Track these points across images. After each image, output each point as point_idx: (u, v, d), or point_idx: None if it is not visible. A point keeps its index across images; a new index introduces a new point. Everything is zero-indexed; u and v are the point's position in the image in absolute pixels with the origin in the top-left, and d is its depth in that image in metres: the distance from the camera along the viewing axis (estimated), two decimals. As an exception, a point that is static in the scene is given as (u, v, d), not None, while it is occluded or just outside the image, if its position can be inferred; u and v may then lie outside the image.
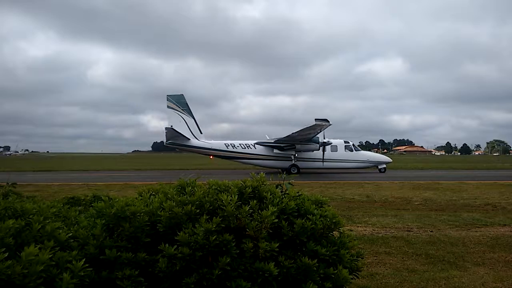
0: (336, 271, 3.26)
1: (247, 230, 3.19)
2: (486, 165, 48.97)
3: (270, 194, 3.58)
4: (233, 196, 3.33)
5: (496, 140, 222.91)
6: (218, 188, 3.54)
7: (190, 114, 34.20)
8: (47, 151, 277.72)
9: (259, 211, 3.29)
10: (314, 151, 31.19)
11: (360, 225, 9.53)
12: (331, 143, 31.73)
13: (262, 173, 3.86)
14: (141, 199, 3.49)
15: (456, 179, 24.31)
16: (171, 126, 32.96)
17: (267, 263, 3.06)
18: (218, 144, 33.68)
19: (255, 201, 3.42)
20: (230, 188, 3.54)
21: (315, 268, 3.17)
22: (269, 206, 3.34)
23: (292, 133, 29.22)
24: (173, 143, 33.79)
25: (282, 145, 31.60)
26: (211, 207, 3.33)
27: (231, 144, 33.27)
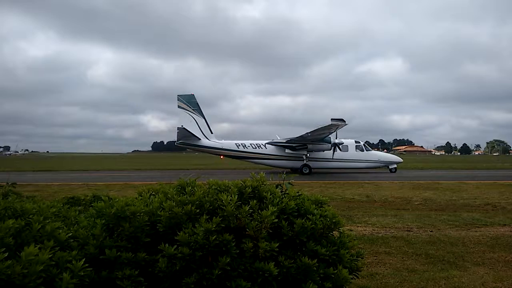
0: (336, 271, 3.26)
1: (247, 230, 3.19)
2: (486, 165, 48.97)
3: (270, 194, 3.58)
4: (233, 196, 3.33)
5: (496, 140, 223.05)
6: (218, 188, 3.54)
7: (201, 114, 34.16)
8: (47, 151, 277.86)
9: (259, 211, 3.29)
10: (325, 151, 31.10)
11: (360, 225, 9.53)
12: (343, 143, 31.61)
13: (262, 173, 3.86)
14: (141, 199, 3.49)
15: (456, 179, 24.31)
16: (182, 125, 32.90)
17: (267, 263, 3.06)
18: (228, 144, 33.62)
19: (255, 201, 3.42)
20: (230, 188, 3.54)
21: (315, 268, 3.17)
22: (269, 206, 3.34)
23: (306, 133, 29.09)
24: (184, 143, 33.75)
25: (294, 145, 31.49)
26: (211, 207, 3.33)
27: (241, 144, 33.23)
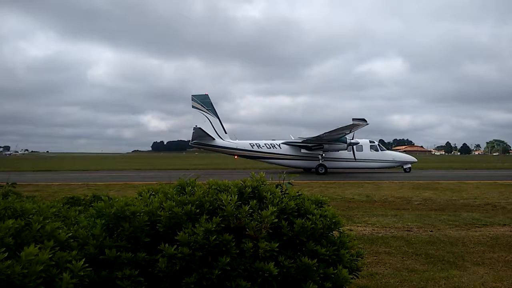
0: (336, 271, 3.26)
1: (247, 230, 3.19)
2: (486, 165, 48.97)
3: (270, 194, 3.58)
4: (233, 196, 3.33)
5: (496, 140, 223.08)
6: (218, 188, 3.54)
7: (215, 113, 34.14)
8: (47, 151, 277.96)
9: (259, 211, 3.29)
10: (340, 151, 31.01)
11: (360, 225, 9.53)
12: (358, 143, 31.48)
13: (262, 172, 3.86)
14: (141, 199, 3.49)
15: (456, 179, 24.31)
16: (196, 125, 32.94)
17: (267, 263, 3.06)
18: (243, 144, 33.57)
19: (255, 201, 3.42)
20: (230, 188, 3.54)
21: (315, 268, 3.17)
22: (269, 206, 3.34)
23: (324, 133, 28.97)
24: (198, 143, 33.73)
25: (310, 144, 31.40)
26: (211, 207, 3.33)
27: (256, 144, 33.17)
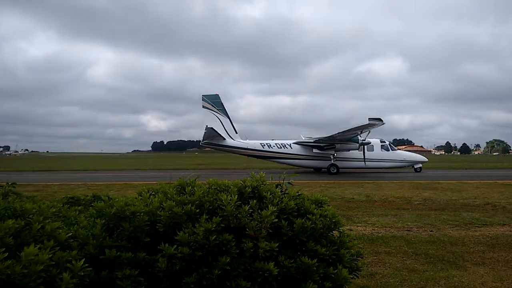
0: (336, 271, 3.26)
1: (247, 229, 3.19)
2: (486, 164, 48.97)
3: (270, 194, 3.58)
4: (233, 196, 3.33)
5: (495, 140, 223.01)
6: (218, 188, 3.54)
7: (225, 113, 34.10)
8: (47, 151, 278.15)
9: (259, 210, 3.29)
10: (351, 151, 30.91)
11: (360, 224, 9.53)
12: (370, 143, 31.40)
13: (261, 172, 3.86)
14: (141, 199, 3.49)
15: (456, 179, 24.30)
16: (207, 125, 32.89)
17: (267, 262, 3.06)
18: (254, 143, 33.53)
19: (255, 200, 3.42)
20: (230, 188, 3.54)
21: (315, 268, 3.17)
22: (269, 205, 3.35)
23: (338, 132, 28.86)
24: (209, 143, 33.69)
25: (322, 144, 31.31)
26: (211, 207, 3.33)
27: (267, 143, 33.14)
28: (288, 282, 3.17)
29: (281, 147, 32.89)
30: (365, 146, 30.87)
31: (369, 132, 29.68)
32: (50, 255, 2.53)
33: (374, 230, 8.89)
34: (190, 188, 3.58)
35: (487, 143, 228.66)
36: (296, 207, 3.56)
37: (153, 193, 3.72)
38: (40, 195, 12.49)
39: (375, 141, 32.10)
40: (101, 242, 2.99)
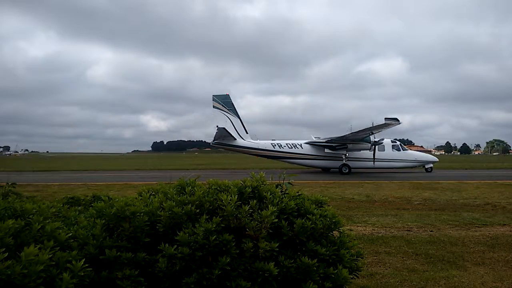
0: (336, 271, 3.26)
1: (247, 230, 3.19)
2: (486, 164, 48.96)
3: (270, 194, 3.58)
4: (233, 196, 3.33)
5: (495, 140, 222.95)
6: (218, 188, 3.54)
7: (236, 114, 34.12)
8: (47, 151, 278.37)
9: (259, 211, 3.29)
10: (362, 151, 30.84)
11: (360, 224, 9.53)
12: (382, 143, 31.32)
13: (262, 172, 3.86)
14: (141, 199, 3.49)
15: (456, 179, 24.30)
16: (217, 125, 32.96)
17: (267, 263, 3.06)
18: (264, 144, 33.55)
19: (255, 201, 3.42)
20: (230, 188, 3.54)
21: (315, 268, 3.17)
22: (269, 206, 3.34)
23: (352, 132, 28.80)
24: (220, 143, 33.68)
25: (334, 144, 31.25)
26: (211, 207, 3.33)
27: (277, 143, 33.14)
28: (288, 282, 3.17)
29: (292, 147, 32.89)
30: (377, 146, 30.80)
31: (379, 132, 29.69)
32: (50, 255, 2.53)
33: (374, 230, 8.89)
34: (190, 188, 3.58)
35: (487, 143, 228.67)
36: (296, 207, 3.56)
37: (153, 193, 3.72)
38: (40, 195, 12.50)
39: (386, 141, 32.05)
40: (101, 242, 2.99)
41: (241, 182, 3.69)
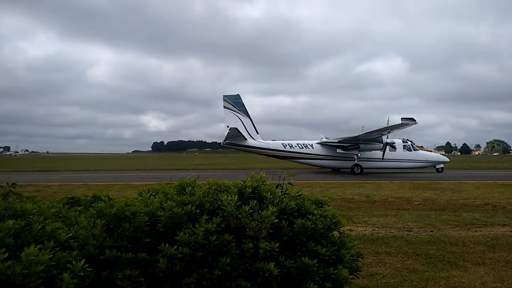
0: (336, 271, 3.26)
1: (247, 230, 3.19)
2: (486, 165, 48.95)
3: (270, 194, 3.58)
4: (233, 196, 3.33)
5: (496, 140, 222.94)
6: (218, 188, 3.54)
7: (246, 114, 34.15)
8: (47, 151, 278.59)
9: (259, 211, 3.29)
10: (373, 151, 30.77)
11: (360, 225, 9.53)
12: (394, 143, 31.27)
13: (262, 173, 3.86)
14: (141, 199, 3.50)
15: (456, 179, 24.30)
16: (228, 125, 33.03)
17: (267, 263, 3.06)
18: (275, 144, 33.59)
19: (255, 201, 3.42)
20: (230, 188, 3.54)
21: (315, 268, 3.17)
22: (269, 206, 3.34)
23: (367, 132, 28.76)
24: (231, 143, 33.70)
25: (346, 144, 31.18)
26: (211, 207, 3.33)
27: (288, 144, 33.15)
28: (288, 283, 3.17)
29: (302, 147, 32.89)
30: (388, 146, 30.71)
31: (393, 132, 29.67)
32: (51, 256, 2.53)
33: (374, 230, 8.89)
34: (190, 188, 3.58)
35: (487, 143, 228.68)
36: (297, 208, 3.56)
37: (153, 193, 3.73)
38: (40, 196, 12.50)
39: (397, 141, 32.03)
40: (101, 243, 2.99)
41: (241, 182, 3.69)
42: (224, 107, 34.15)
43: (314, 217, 3.46)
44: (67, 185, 20.78)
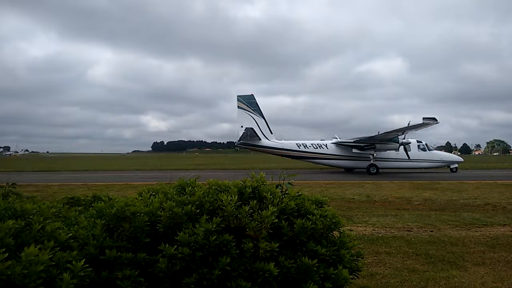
0: (336, 271, 3.26)
1: (247, 230, 3.19)
2: (486, 165, 48.94)
3: (270, 194, 3.58)
4: (233, 196, 3.33)
5: (496, 140, 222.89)
6: (218, 188, 3.54)
7: (260, 114, 34.15)
8: (47, 151, 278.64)
9: (259, 211, 3.29)
10: (388, 151, 30.76)
11: (360, 225, 9.53)
12: (410, 143, 31.24)
13: (262, 173, 3.86)
14: (141, 199, 3.50)
15: (456, 179, 24.30)
16: (242, 125, 33.09)
17: (267, 263, 3.06)
18: (289, 144, 33.59)
19: (255, 201, 3.42)
20: (230, 188, 3.54)
21: (315, 268, 3.17)
22: (269, 206, 3.34)
23: (386, 132, 28.75)
24: (245, 143, 33.73)
25: (362, 144, 31.19)
26: (211, 207, 3.33)
27: (302, 144, 33.16)
28: (288, 283, 3.17)
29: (317, 147, 32.91)
30: (406, 146, 30.62)
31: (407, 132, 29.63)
32: (51, 256, 2.53)
33: (375, 230, 8.89)
34: (190, 188, 3.58)
35: (487, 143, 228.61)
36: (297, 208, 3.56)
37: (153, 193, 3.72)
38: (40, 196, 12.50)
39: (412, 141, 31.96)
40: (101, 243, 2.99)
41: (241, 182, 3.69)
42: (238, 107, 34.17)
43: (314, 217, 3.46)
44: (67, 185, 20.78)
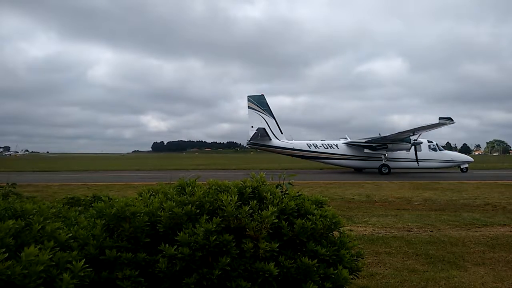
0: (336, 271, 3.26)
1: (247, 230, 3.19)
2: (486, 165, 48.93)
3: (270, 194, 3.58)
4: (233, 196, 3.33)
5: (496, 140, 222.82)
6: (218, 188, 3.54)
7: (271, 114, 34.24)
8: (47, 151, 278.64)
9: (259, 211, 3.29)
10: (398, 151, 30.77)
11: (360, 225, 9.53)
12: (421, 143, 31.27)
13: (262, 173, 3.86)
14: (141, 199, 3.49)
15: (456, 179, 24.30)
16: (252, 125, 33.22)
17: (267, 263, 3.06)
18: (300, 144, 33.69)
19: (255, 201, 3.42)
20: (230, 188, 3.54)
21: (315, 268, 3.17)
22: (269, 206, 3.34)
23: (400, 132, 28.74)
24: (255, 143, 33.83)
25: (374, 144, 31.22)
26: (211, 207, 3.33)
27: (313, 144, 33.27)
28: (288, 283, 3.17)
29: (327, 147, 32.96)
30: (417, 147, 30.64)
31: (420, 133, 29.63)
32: (51, 256, 2.53)
33: (375, 230, 8.89)
34: (190, 188, 3.58)
35: (487, 143, 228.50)
36: (297, 208, 3.56)
37: (153, 193, 3.72)
38: (40, 196, 12.50)
39: (423, 141, 31.96)
40: (101, 243, 2.99)
41: (241, 182, 3.69)
42: (249, 107, 34.23)
43: (314, 217, 3.46)
44: (67, 185, 20.78)
